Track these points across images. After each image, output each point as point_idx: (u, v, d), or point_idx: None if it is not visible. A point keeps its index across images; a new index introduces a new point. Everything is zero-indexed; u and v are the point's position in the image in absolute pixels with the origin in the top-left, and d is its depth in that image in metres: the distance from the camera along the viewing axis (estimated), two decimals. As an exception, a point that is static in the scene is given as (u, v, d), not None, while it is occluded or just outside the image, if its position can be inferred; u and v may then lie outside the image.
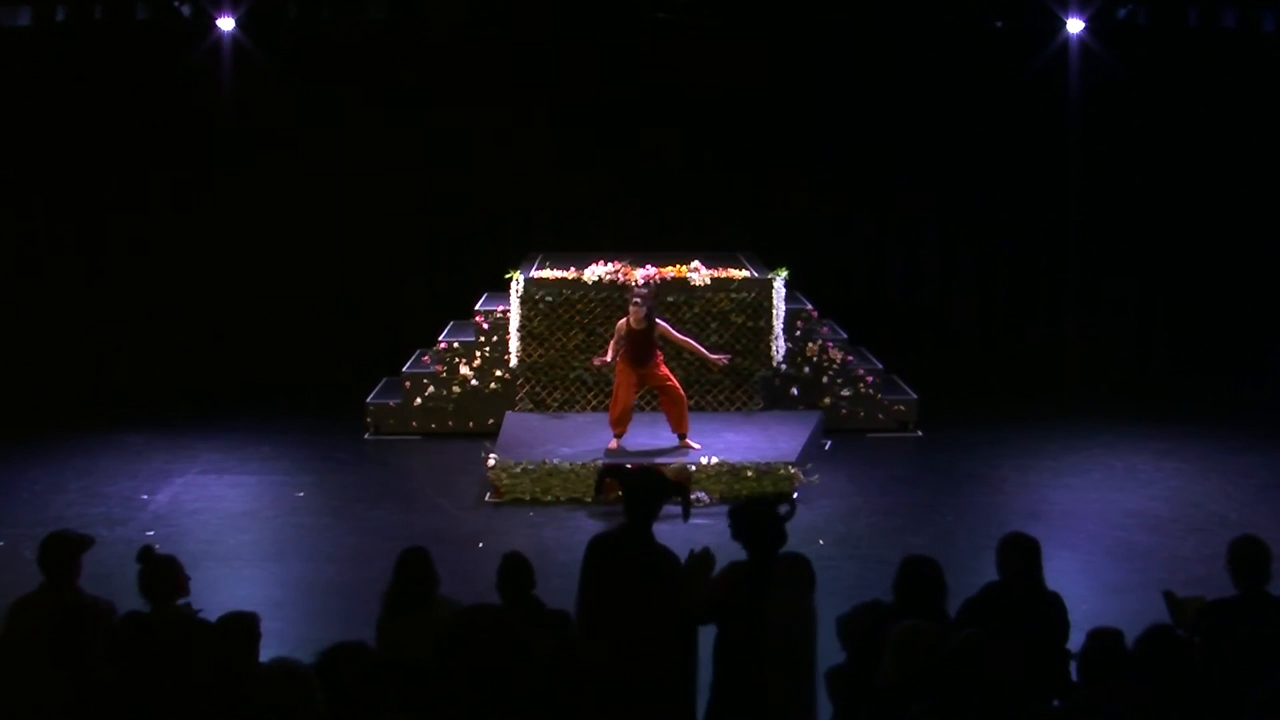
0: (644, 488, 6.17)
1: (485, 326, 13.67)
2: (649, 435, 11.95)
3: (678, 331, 12.08)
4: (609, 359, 11.86)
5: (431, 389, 13.64)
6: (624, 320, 11.72)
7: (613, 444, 11.82)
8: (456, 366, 13.64)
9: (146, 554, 5.87)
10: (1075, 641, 5.29)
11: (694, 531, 10.54)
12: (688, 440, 11.80)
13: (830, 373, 13.73)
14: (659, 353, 11.81)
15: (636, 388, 11.93)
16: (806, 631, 5.79)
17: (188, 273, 16.03)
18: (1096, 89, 15.91)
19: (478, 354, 13.66)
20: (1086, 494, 11.56)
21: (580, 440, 12.07)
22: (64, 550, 5.88)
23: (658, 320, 11.78)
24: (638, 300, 11.61)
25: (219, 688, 4.69)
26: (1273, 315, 15.88)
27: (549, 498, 11.25)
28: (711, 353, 12.18)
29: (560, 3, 15.91)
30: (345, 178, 16.06)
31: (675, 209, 16.56)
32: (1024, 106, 16.00)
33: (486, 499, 11.32)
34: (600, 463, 11.30)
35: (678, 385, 11.86)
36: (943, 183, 16.51)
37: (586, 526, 10.69)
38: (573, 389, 13.30)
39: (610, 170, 16.45)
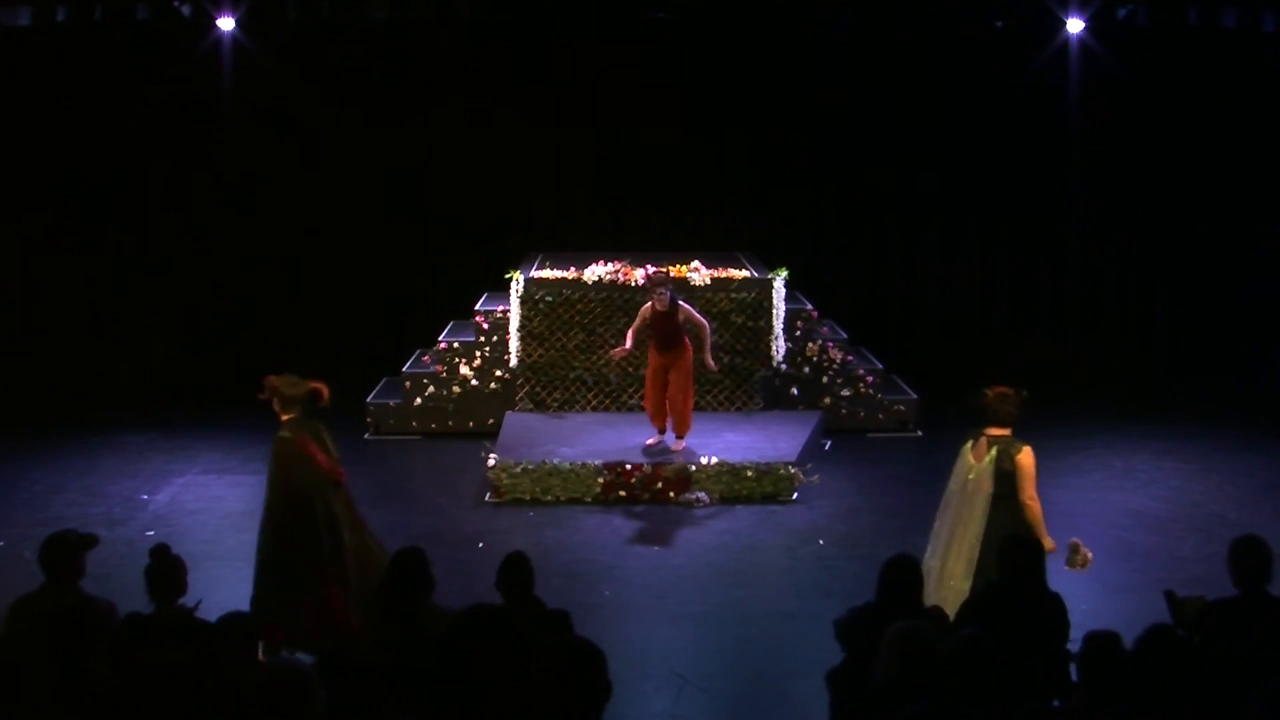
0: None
1: (485, 326, 13.67)
2: (649, 434, 11.94)
3: (699, 313, 11.84)
4: (629, 347, 11.78)
5: (431, 389, 13.65)
6: (648, 305, 11.57)
7: (652, 440, 11.76)
8: (456, 366, 13.65)
9: (161, 552, 5.88)
10: (1075, 641, 5.29)
11: (695, 532, 10.62)
12: (678, 441, 11.71)
13: (830, 373, 13.73)
14: (686, 343, 11.55)
15: (663, 377, 11.60)
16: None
17: (188, 272, 16.04)
18: (1096, 89, 15.92)
19: (478, 354, 13.66)
20: (1086, 494, 11.56)
21: (580, 440, 12.07)
22: (66, 550, 5.88)
23: (681, 303, 11.63)
24: (661, 290, 11.38)
25: (219, 688, 4.69)
26: (1272, 315, 15.88)
27: (549, 498, 11.25)
28: (710, 355, 11.94)
29: (561, 2, 15.91)
30: (345, 177, 16.06)
31: (675, 209, 16.56)
32: (1024, 106, 16.00)
33: (486, 499, 11.32)
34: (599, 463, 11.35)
35: (681, 396, 11.55)
36: (943, 182, 16.51)
37: (587, 526, 10.72)
38: (573, 389, 13.30)
39: (610, 170, 16.45)
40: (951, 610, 6.65)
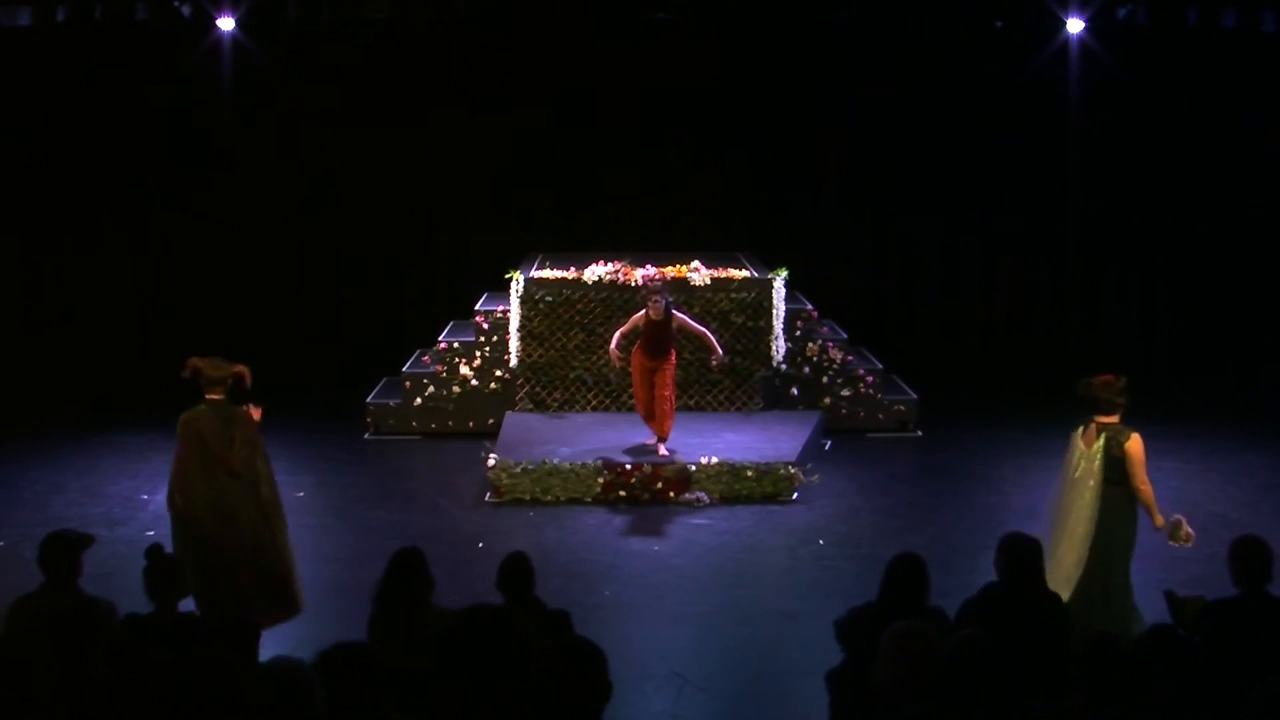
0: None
1: (485, 326, 13.67)
2: (649, 434, 11.92)
3: (695, 321, 11.87)
4: (614, 345, 11.68)
5: (431, 389, 13.65)
6: (643, 313, 11.57)
7: (650, 441, 11.74)
8: (456, 366, 13.65)
9: (156, 552, 5.87)
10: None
11: (695, 531, 10.63)
12: (662, 445, 11.67)
13: (830, 373, 13.73)
14: (673, 351, 11.59)
15: (650, 379, 11.57)
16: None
17: (187, 272, 16.04)
18: (1096, 89, 15.92)
19: (478, 354, 13.66)
20: (1086, 494, 11.53)
21: (580, 440, 12.07)
22: (64, 550, 5.88)
23: (675, 312, 11.64)
24: (656, 299, 11.42)
25: (219, 688, 4.68)
26: (1273, 315, 15.88)
27: (549, 498, 11.25)
28: (720, 346, 11.88)
29: (561, 2, 15.92)
30: (345, 177, 16.06)
31: (675, 209, 16.55)
32: (1024, 106, 16.00)
33: (486, 499, 11.32)
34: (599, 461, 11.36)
35: (669, 396, 11.55)
36: (943, 183, 16.51)
37: (587, 526, 10.72)
38: (573, 389, 13.30)
39: (610, 170, 16.45)
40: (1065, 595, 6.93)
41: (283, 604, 7.83)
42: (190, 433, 7.73)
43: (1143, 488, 7.39)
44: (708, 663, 8.03)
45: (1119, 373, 7.62)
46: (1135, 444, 7.37)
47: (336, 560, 9.77)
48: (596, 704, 4.71)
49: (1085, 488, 7.41)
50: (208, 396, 7.81)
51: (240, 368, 7.95)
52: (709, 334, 11.84)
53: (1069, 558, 7.38)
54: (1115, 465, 7.36)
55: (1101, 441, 7.39)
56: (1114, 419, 7.47)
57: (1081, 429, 7.55)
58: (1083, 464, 7.45)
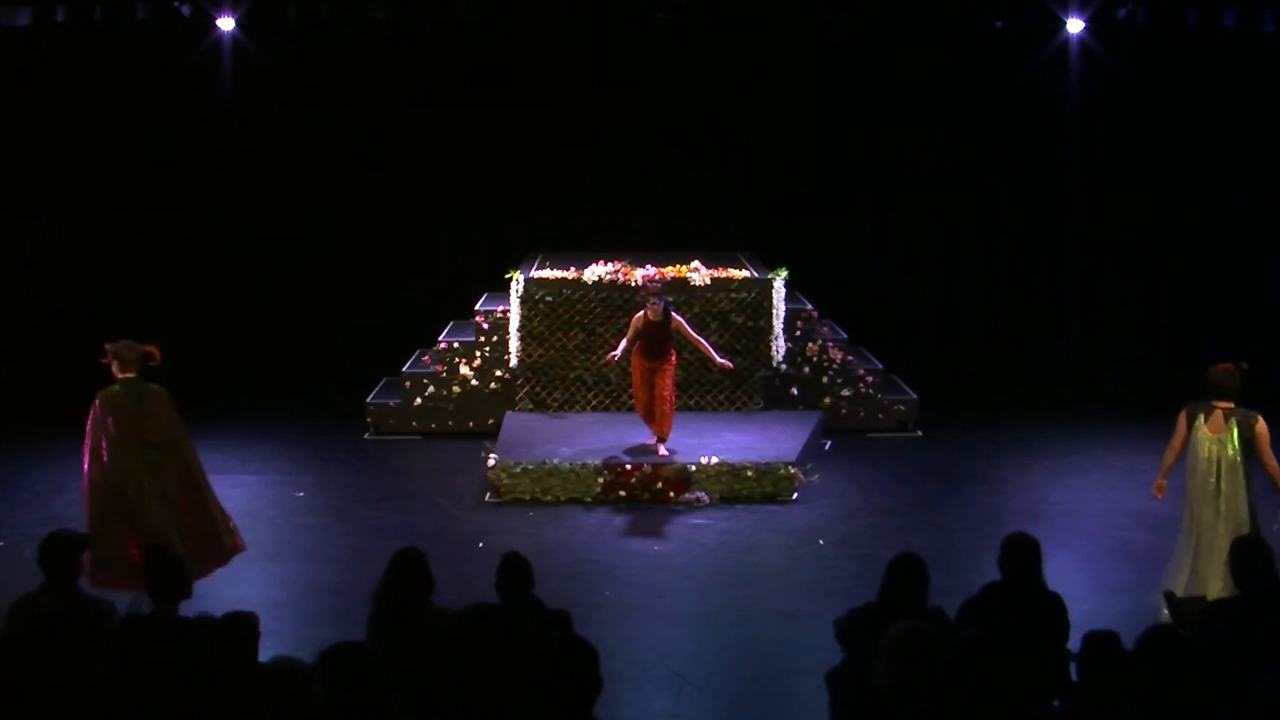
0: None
1: (485, 326, 13.67)
2: (649, 434, 11.92)
3: (692, 328, 11.89)
4: (618, 353, 11.75)
5: (431, 389, 13.65)
6: (641, 314, 11.58)
7: (650, 441, 11.73)
8: (456, 366, 13.65)
9: (157, 552, 5.89)
10: (1075, 641, 5.29)
11: (695, 532, 10.63)
12: (662, 445, 11.67)
13: (830, 373, 13.73)
14: (672, 352, 11.61)
15: (650, 380, 11.59)
16: None
17: (187, 272, 16.03)
18: (1096, 89, 15.92)
19: (478, 354, 13.66)
20: (1086, 494, 11.56)
21: (580, 440, 12.07)
22: (64, 550, 5.89)
23: (674, 314, 11.64)
24: (655, 300, 11.45)
25: (219, 688, 4.68)
26: (1273, 314, 15.87)
27: (549, 498, 11.25)
28: (719, 355, 11.97)
29: (561, 2, 15.91)
30: (345, 177, 16.06)
31: (675, 209, 16.54)
32: (1024, 106, 16.00)
33: (486, 499, 11.32)
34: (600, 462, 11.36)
35: (669, 396, 11.56)
36: (943, 183, 16.51)
37: (586, 526, 10.72)
38: (573, 389, 13.30)
39: (610, 170, 16.44)
40: (1213, 576, 7.49)
41: (213, 554, 8.43)
42: (103, 410, 8.29)
43: (1271, 463, 7.77)
44: (708, 663, 8.02)
45: (1236, 362, 8.08)
46: (1263, 424, 7.86)
47: (336, 560, 9.77)
48: (586, 700, 4.72)
49: (1233, 469, 7.81)
50: (121, 376, 8.37)
51: (149, 347, 8.54)
52: (707, 345, 11.84)
53: (1228, 540, 7.47)
54: (1247, 446, 7.77)
55: (1234, 426, 7.82)
56: (1232, 404, 7.86)
57: (1203, 416, 7.95)
58: (1215, 448, 7.87)
